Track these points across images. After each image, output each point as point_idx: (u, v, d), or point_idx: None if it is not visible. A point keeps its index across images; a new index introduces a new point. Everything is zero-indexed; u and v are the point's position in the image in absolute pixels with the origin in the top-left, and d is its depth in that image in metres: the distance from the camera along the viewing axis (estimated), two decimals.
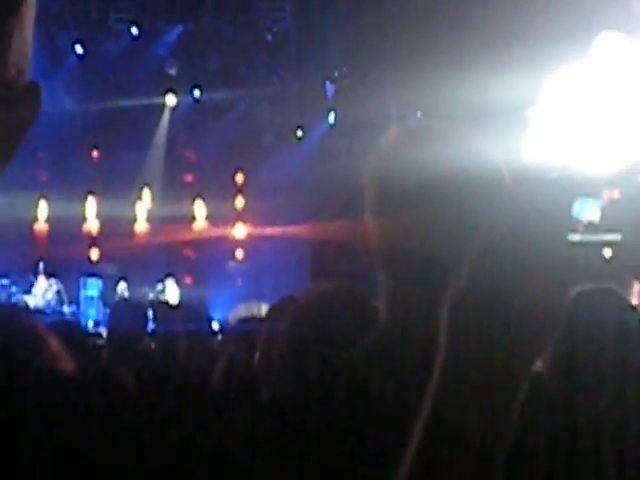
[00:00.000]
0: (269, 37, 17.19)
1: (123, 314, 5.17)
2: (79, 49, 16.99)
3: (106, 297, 14.77)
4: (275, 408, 1.65)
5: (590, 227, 0.95)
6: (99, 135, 17.01)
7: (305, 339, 2.05)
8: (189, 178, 17.77)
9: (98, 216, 17.14)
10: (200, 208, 17.39)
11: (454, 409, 0.87)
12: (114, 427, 0.97)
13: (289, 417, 1.54)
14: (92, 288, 15.42)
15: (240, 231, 17.65)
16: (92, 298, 15.27)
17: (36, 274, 14.89)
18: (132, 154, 17.01)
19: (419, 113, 12.74)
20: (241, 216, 17.70)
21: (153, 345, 5.45)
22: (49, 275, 14.89)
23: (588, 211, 0.96)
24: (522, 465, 1.28)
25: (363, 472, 1.40)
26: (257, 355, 3.03)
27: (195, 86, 17.22)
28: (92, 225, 17.23)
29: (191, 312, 5.82)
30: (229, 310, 7.96)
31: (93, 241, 17.21)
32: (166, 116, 17.59)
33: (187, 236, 17.35)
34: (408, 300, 1.54)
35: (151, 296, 14.06)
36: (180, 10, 16.83)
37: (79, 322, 11.74)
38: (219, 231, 17.40)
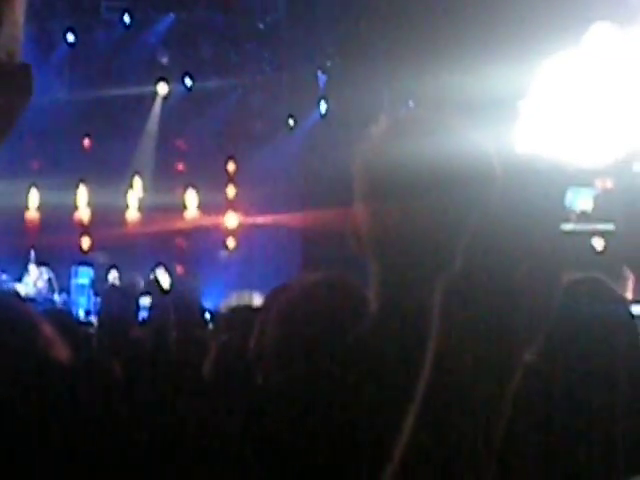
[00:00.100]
0: (261, 26, 17.15)
1: (113, 300, 5.18)
2: (70, 37, 16.94)
3: (97, 286, 14.74)
4: (268, 396, 1.65)
5: (583, 216, 0.96)
6: (90, 123, 16.95)
7: (297, 327, 2.05)
8: (180, 167, 17.74)
9: (89, 204, 17.10)
10: (191, 197, 17.37)
11: (447, 397, 0.87)
12: (104, 415, 0.97)
13: (281, 405, 1.54)
14: (83, 276, 15.40)
15: (232, 220, 17.63)
16: (83, 286, 15.24)
17: (27, 262, 14.86)
18: (123, 143, 16.95)
19: (411, 103, 12.74)
20: (232, 205, 17.68)
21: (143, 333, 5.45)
22: (40, 263, 14.86)
23: (581, 201, 0.96)
24: (514, 453, 1.28)
25: (356, 459, 1.40)
26: (251, 343, 3.02)
27: (187, 75, 17.18)
28: (83, 213, 17.20)
29: (182, 301, 5.82)
30: (221, 299, 7.94)
31: (84, 229, 17.18)
32: (158, 104, 17.54)
33: (178, 225, 17.33)
34: (398, 288, 1.54)
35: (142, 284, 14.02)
36: None
37: (71, 311, 11.72)
38: (210, 220, 17.37)
